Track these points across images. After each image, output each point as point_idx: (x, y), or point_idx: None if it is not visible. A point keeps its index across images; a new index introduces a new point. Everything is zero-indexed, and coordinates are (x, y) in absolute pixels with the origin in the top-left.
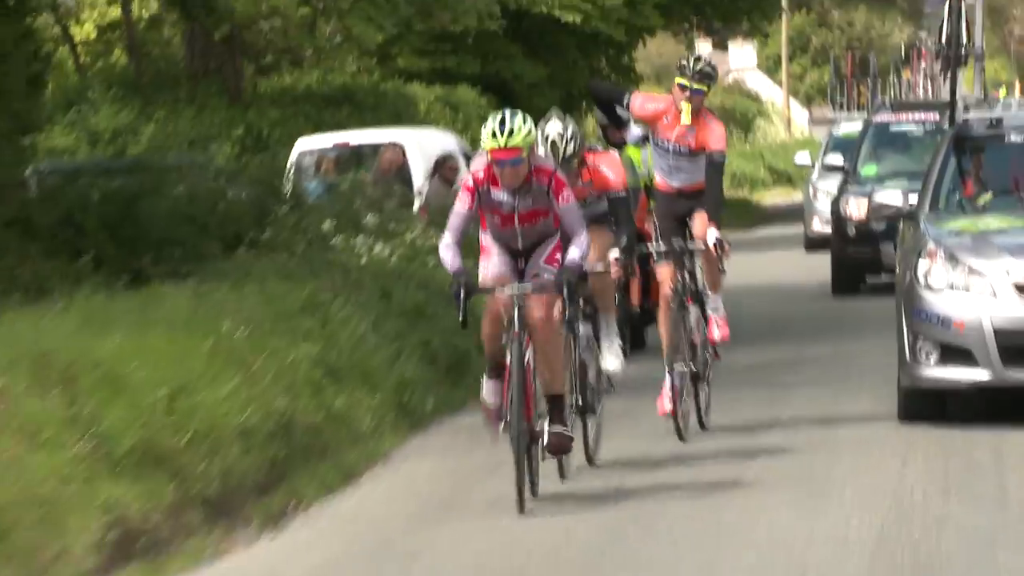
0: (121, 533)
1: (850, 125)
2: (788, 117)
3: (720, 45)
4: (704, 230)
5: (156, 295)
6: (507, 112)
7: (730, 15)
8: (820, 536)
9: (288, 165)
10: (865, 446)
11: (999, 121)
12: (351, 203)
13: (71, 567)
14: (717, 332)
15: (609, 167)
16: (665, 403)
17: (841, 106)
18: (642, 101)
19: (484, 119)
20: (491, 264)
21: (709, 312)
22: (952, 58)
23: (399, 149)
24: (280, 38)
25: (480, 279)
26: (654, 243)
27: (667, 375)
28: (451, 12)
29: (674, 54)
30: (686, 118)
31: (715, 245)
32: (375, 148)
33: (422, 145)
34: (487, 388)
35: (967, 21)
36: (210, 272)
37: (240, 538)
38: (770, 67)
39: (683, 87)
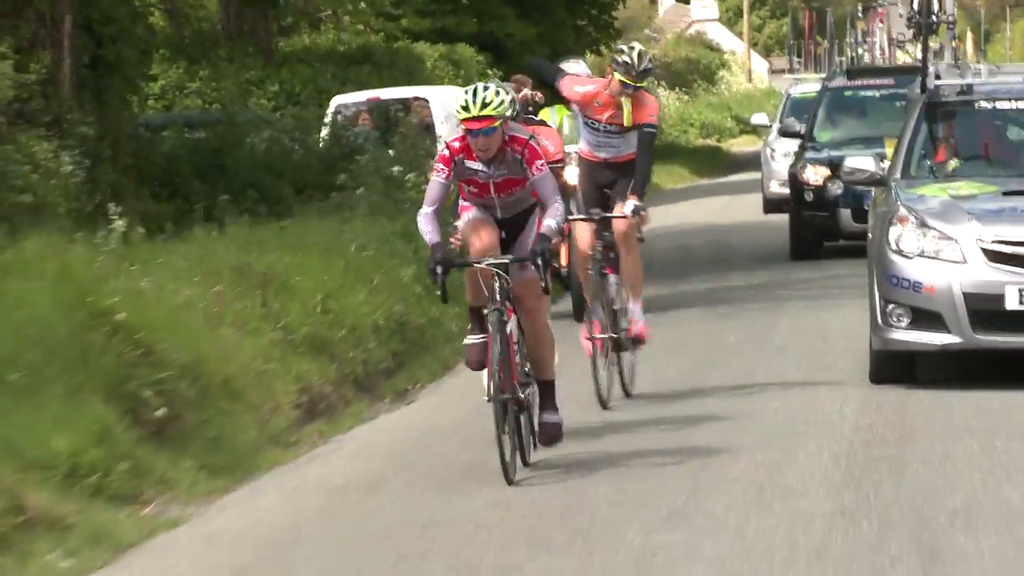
0: (308, 398)
1: (807, 86)
2: (749, 68)
3: None
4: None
5: (292, 225)
6: (480, 85)
7: None
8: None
9: (326, 118)
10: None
11: (970, 88)
12: (415, 146)
13: (282, 418)
14: (636, 328)
15: (547, 138)
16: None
17: (800, 65)
18: (570, 83)
19: (482, 75)
20: (470, 213)
21: (629, 320)
22: (924, 26)
23: (425, 103)
24: (307, 2)
25: (460, 230)
26: (575, 208)
27: (595, 309)
28: None
29: (638, 6)
30: (627, 119)
31: (633, 212)
32: (402, 102)
33: (443, 101)
34: (470, 340)
35: None
36: (313, 210)
37: (380, 407)
38: (730, 19)
39: (625, 85)
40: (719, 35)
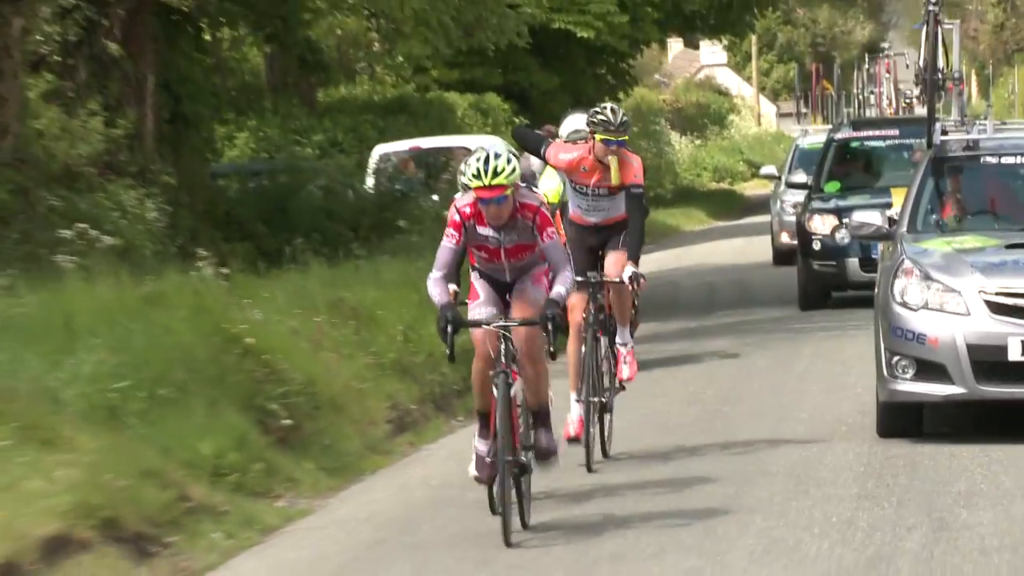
0: (397, 413)
1: (815, 138)
2: (758, 112)
3: (691, 44)
4: (617, 268)
5: (352, 267)
6: (491, 151)
7: (715, 30)
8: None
9: (370, 166)
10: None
11: (975, 143)
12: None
13: (378, 430)
14: (626, 370)
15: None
16: (570, 428)
17: (807, 111)
18: (556, 151)
19: (509, 123)
20: (479, 305)
21: (618, 346)
22: (929, 83)
23: (468, 152)
24: (344, 56)
25: (469, 316)
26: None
27: (574, 403)
28: (491, 32)
29: (647, 52)
30: (615, 177)
31: (631, 279)
32: (441, 151)
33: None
34: (479, 440)
35: (945, 46)
36: (374, 250)
37: (455, 424)
38: (738, 63)
39: (608, 142)
40: (727, 79)
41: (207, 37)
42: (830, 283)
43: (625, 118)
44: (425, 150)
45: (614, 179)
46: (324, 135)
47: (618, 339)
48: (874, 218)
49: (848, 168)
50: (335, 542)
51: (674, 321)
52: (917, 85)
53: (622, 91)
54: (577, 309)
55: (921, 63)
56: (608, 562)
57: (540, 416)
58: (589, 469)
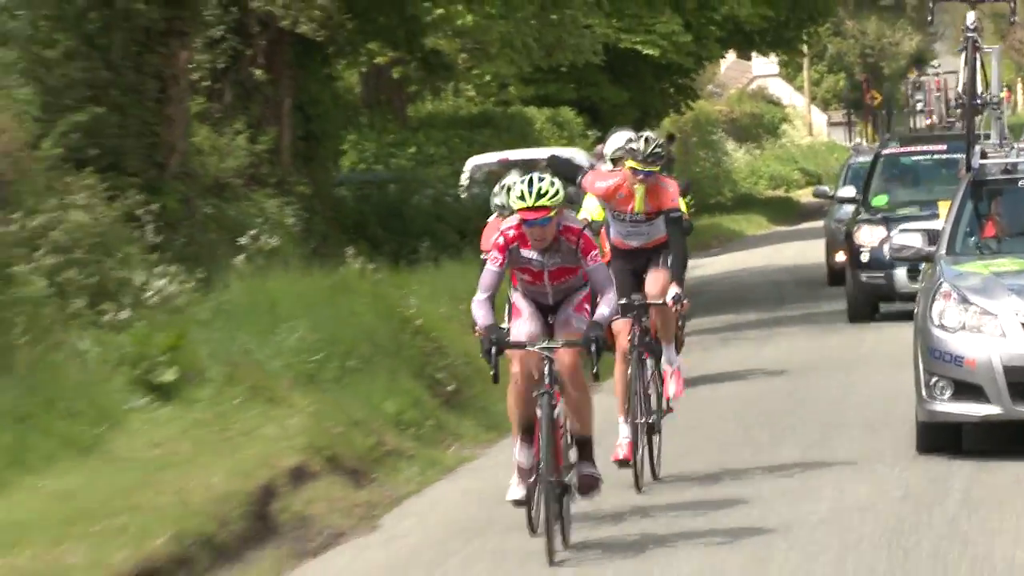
0: None
1: (867, 156)
2: (810, 121)
3: (743, 55)
4: (658, 289)
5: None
6: (535, 175)
7: (773, 45)
8: None
9: (464, 176)
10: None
11: (1015, 166)
12: None
13: None
14: (672, 388)
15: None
16: (619, 451)
17: (854, 124)
18: (593, 179)
19: (582, 135)
20: (522, 324)
21: (664, 366)
22: (968, 107)
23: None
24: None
25: (511, 338)
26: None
27: (622, 425)
28: (569, 52)
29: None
30: (639, 205)
31: (674, 301)
32: (528, 162)
33: (577, 158)
34: (520, 451)
35: (984, 71)
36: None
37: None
38: (789, 73)
39: (636, 171)
40: (779, 90)
41: (335, 64)
42: (878, 295)
43: (658, 149)
44: (513, 161)
45: (637, 207)
46: (417, 148)
47: (664, 360)
48: (914, 240)
49: (896, 182)
50: (503, 479)
51: (748, 314)
52: (958, 108)
53: (684, 104)
54: (623, 333)
55: (960, 88)
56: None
57: (583, 447)
58: (638, 490)
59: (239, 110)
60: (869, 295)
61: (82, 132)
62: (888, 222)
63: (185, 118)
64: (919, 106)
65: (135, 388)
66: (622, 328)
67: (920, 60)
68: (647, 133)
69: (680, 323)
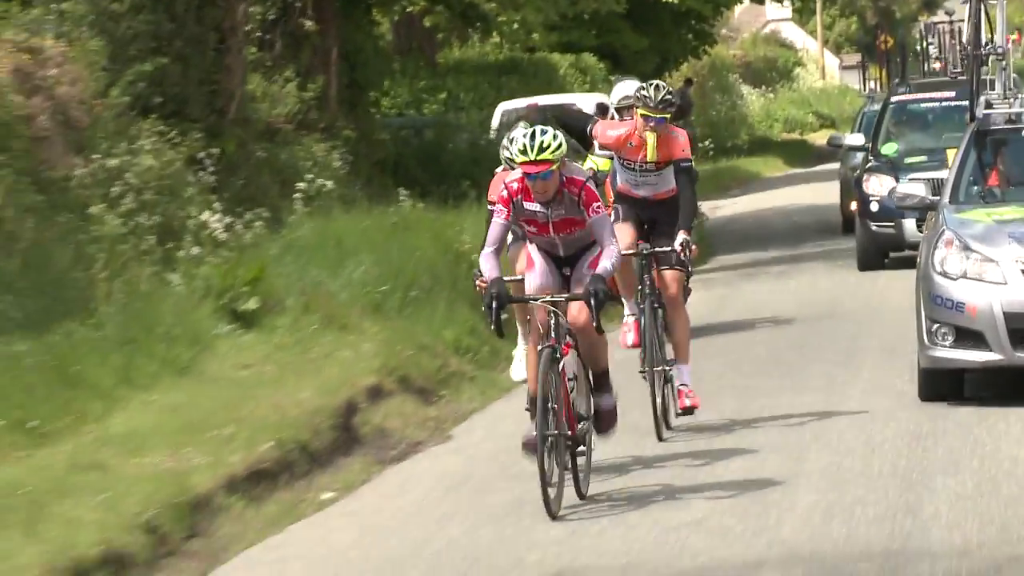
0: None
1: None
2: (823, 65)
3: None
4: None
5: None
6: (538, 128)
7: None
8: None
9: (494, 121)
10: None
11: (1019, 116)
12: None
13: None
14: (688, 400)
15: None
16: (627, 337)
17: (866, 67)
18: (603, 129)
19: (605, 80)
20: (536, 275)
21: (678, 386)
22: (972, 57)
23: (580, 109)
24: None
25: (526, 290)
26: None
27: (628, 315)
28: (595, 0)
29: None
30: (651, 153)
31: (682, 246)
32: (556, 107)
33: (589, 106)
34: (528, 438)
35: (989, 22)
36: None
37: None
38: (801, 17)
39: (647, 118)
40: (792, 33)
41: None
42: (887, 244)
43: (668, 96)
44: (542, 107)
45: (650, 155)
46: (447, 94)
47: (677, 380)
48: (918, 189)
49: (905, 130)
50: None
51: (772, 250)
52: (962, 61)
53: (702, 49)
54: (623, 240)
55: (965, 39)
56: (650, 528)
57: (599, 378)
58: (660, 438)
59: (289, 59)
60: (879, 244)
61: (147, 81)
62: (897, 171)
63: (242, 67)
64: (932, 51)
65: (221, 316)
66: (624, 238)
67: (931, 3)
68: (656, 81)
69: (688, 269)
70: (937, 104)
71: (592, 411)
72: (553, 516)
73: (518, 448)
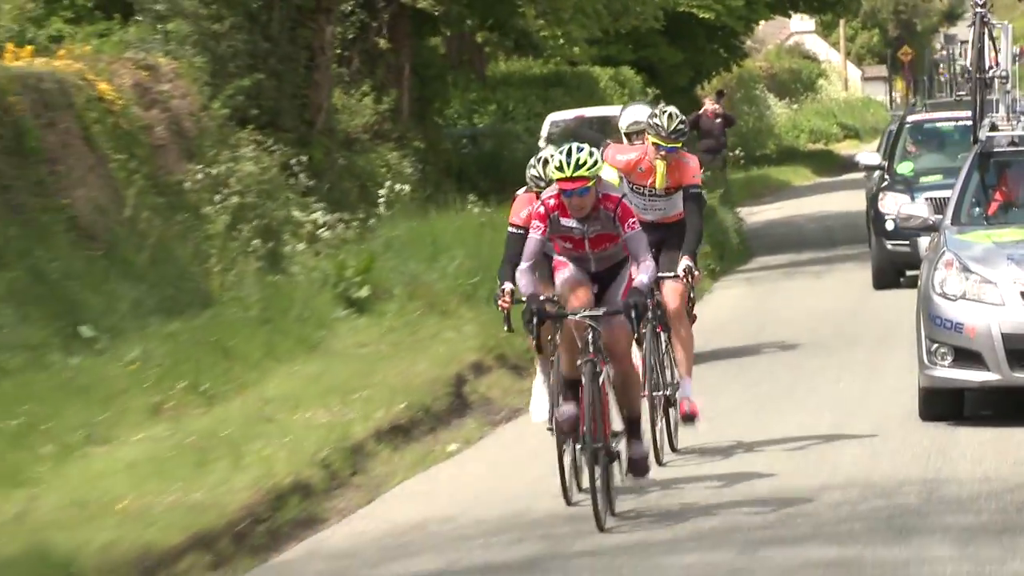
0: None
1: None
2: (846, 76)
3: (782, 11)
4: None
5: None
6: (574, 145)
7: (817, 11)
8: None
9: (543, 131)
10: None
11: (1021, 139)
12: None
13: None
14: (687, 406)
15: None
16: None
17: (889, 80)
18: (614, 152)
19: (642, 92)
20: (566, 272)
21: (679, 397)
22: (975, 81)
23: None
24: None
25: (556, 289)
26: None
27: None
28: (634, 17)
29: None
30: (660, 181)
31: (685, 272)
32: (601, 119)
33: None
34: (564, 408)
35: (994, 46)
36: None
37: None
38: (824, 30)
39: (658, 147)
40: (815, 45)
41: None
42: (903, 262)
43: (681, 125)
44: (588, 118)
45: (659, 183)
46: (497, 105)
47: (678, 392)
48: (920, 210)
49: (922, 149)
50: None
51: (808, 252)
52: (967, 83)
53: (734, 63)
54: None
55: (968, 63)
56: (664, 552)
57: (631, 425)
58: (659, 463)
59: (365, 75)
60: (894, 263)
61: (245, 95)
62: (912, 189)
63: (329, 82)
64: (957, 56)
65: (337, 302)
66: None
67: (952, 15)
68: (670, 108)
69: (691, 295)
70: (953, 124)
71: (622, 422)
72: (601, 528)
73: None
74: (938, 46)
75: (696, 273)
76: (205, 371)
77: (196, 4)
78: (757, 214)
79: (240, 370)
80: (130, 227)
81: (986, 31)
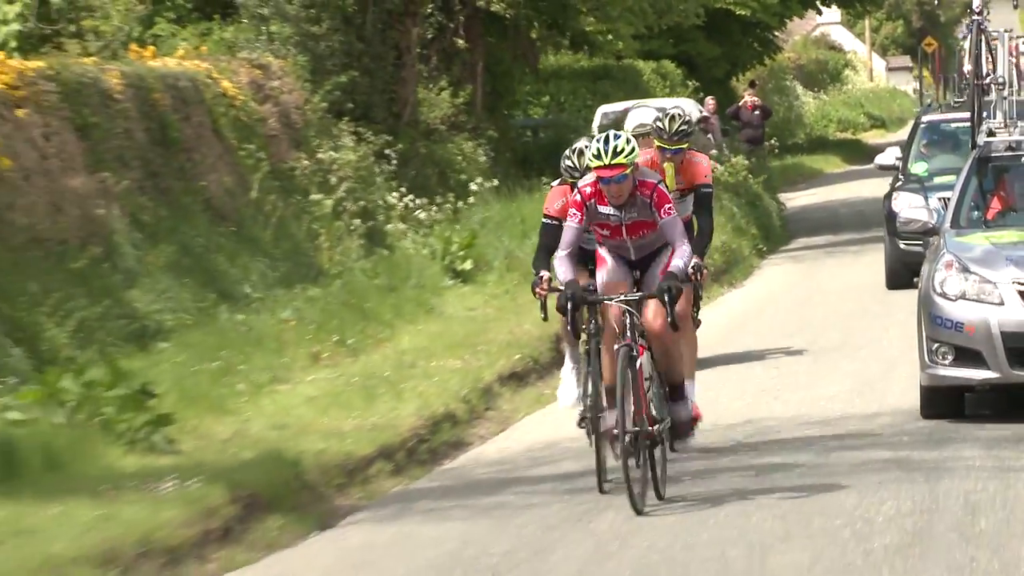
0: None
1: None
2: (871, 67)
3: (813, 6)
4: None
5: None
6: (611, 133)
7: (847, 4)
8: None
9: (595, 122)
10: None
11: (1019, 144)
12: None
13: None
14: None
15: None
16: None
17: (915, 71)
18: None
19: (682, 84)
20: (606, 272)
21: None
22: (973, 88)
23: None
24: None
25: (598, 287)
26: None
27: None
28: (678, 14)
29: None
30: (671, 182)
31: (694, 270)
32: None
33: (688, 109)
34: (610, 416)
35: (991, 53)
36: None
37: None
38: (849, 20)
39: (663, 150)
40: (840, 36)
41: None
42: (916, 262)
43: (684, 127)
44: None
45: (670, 183)
46: (550, 97)
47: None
48: (920, 214)
49: (936, 149)
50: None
51: (845, 234)
52: (964, 90)
53: (768, 56)
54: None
55: (966, 70)
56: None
57: (674, 389)
58: (637, 511)
59: (443, 71)
60: (907, 263)
61: (341, 90)
62: (926, 190)
63: (414, 79)
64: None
65: (445, 273)
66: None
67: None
68: (673, 110)
69: (699, 293)
70: (967, 124)
71: (668, 414)
72: (639, 512)
73: None
74: (960, 36)
75: (704, 271)
76: (347, 328)
77: (297, 8)
78: (793, 200)
79: (375, 328)
80: (255, 208)
81: (983, 38)
